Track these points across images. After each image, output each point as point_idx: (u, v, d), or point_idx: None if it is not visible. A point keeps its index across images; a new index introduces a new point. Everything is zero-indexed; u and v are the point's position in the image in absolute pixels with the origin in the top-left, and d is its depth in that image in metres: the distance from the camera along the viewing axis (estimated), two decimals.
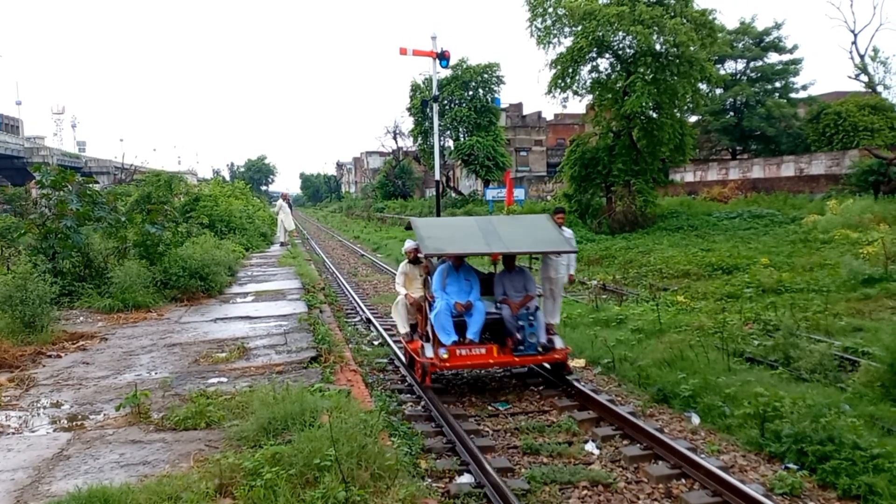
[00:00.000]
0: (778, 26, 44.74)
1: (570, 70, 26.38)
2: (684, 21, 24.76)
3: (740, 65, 45.96)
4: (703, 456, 6.00)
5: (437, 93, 22.25)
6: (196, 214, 20.83)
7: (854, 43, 31.36)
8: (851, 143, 35.17)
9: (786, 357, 8.31)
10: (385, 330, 11.87)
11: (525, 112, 67.76)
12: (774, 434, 6.06)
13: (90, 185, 13.97)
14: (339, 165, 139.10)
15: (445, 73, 43.66)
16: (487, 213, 37.45)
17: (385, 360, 10.00)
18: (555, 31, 26.53)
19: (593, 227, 26.25)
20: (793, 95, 45.40)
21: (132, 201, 19.37)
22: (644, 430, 6.51)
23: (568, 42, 26.33)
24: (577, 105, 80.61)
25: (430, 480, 5.67)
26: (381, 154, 78.57)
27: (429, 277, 8.61)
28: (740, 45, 44.42)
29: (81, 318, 10.63)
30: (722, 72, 37.75)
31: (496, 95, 48.94)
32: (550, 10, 26.17)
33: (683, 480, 5.70)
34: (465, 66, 47.60)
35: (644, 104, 24.52)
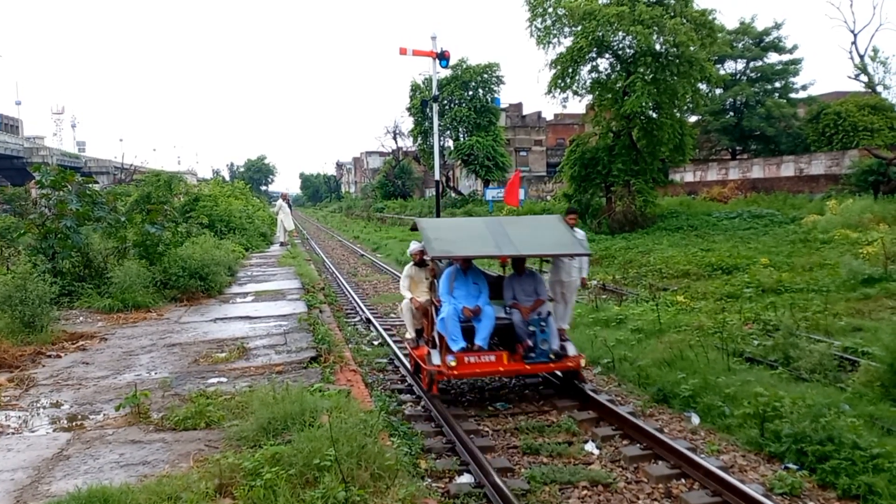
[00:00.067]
0: (778, 26, 44.77)
1: (570, 70, 26.40)
2: (684, 21, 24.77)
3: (740, 65, 45.97)
4: (702, 456, 6.00)
5: (436, 93, 22.24)
6: (196, 214, 20.82)
7: (854, 43, 31.41)
8: (851, 143, 35.18)
9: (785, 357, 8.31)
10: (385, 330, 11.87)
11: (525, 112, 67.81)
12: (774, 434, 6.06)
13: (90, 185, 13.96)
14: (339, 165, 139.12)
15: (445, 73, 43.77)
16: (487, 213, 37.49)
17: (385, 360, 10.01)
18: (555, 31, 26.54)
19: (593, 227, 26.25)
20: (792, 95, 45.41)
21: (132, 201, 19.35)
22: (644, 430, 6.51)
23: (568, 42, 26.36)
24: (577, 105, 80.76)
25: (429, 480, 5.67)
26: (381, 154, 78.59)
27: (435, 281, 8.23)
28: (740, 45, 44.42)
29: (81, 318, 10.63)
30: (722, 72, 37.73)
31: (496, 95, 49.01)
32: (550, 10, 26.18)
33: (683, 480, 5.70)
34: (464, 66, 47.66)
35: (644, 104, 24.53)
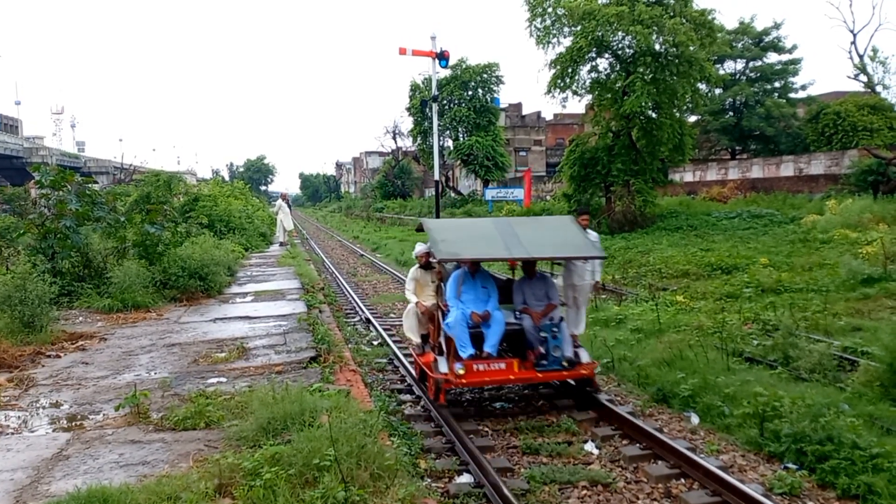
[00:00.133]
0: (777, 26, 44.74)
1: (570, 70, 26.38)
2: (684, 21, 24.75)
3: (739, 65, 45.94)
4: (702, 456, 6.01)
5: (436, 93, 22.25)
6: (195, 214, 20.82)
7: (853, 43, 31.36)
8: (850, 142, 35.16)
9: (785, 357, 8.31)
10: (384, 330, 11.87)
11: (524, 112, 67.80)
12: (774, 434, 6.07)
13: (89, 185, 13.95)
14: (339, 165, 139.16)
15: (445, 73, 43.79)
16: (487, 213, 37.50)
17: (384, 360, 10.01)
18: (554, 31, 26.52)
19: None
20: (792, 95, 45.39)
21: (131, 201, 19.33)
22: (643, 430, 6.52)
23: (567, 42, 26.33)
24: (577, 105, 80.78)
25: (429, 480, 5.67)
26: (381, 154, 78.58)
27: (442, 284, 7.93)
28: (740, 45, 44.40)
29: (81, 318, 10.63)
30: (721, 72, 37.71)
31: (495, 95, 49.05)
32: (550, 10, 26.16)
33: (683, 480, 5.71)
34: (464, 66, 47.68)
35: (643, 104, 24.51)
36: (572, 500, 5.46)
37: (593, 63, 27.08)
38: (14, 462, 4.92)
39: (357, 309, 14.56)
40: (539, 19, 26.53)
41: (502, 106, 53.52)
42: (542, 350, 7.28)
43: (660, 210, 27.03)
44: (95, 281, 12.08)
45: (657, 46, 24.74)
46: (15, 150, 64.46)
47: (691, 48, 24.08)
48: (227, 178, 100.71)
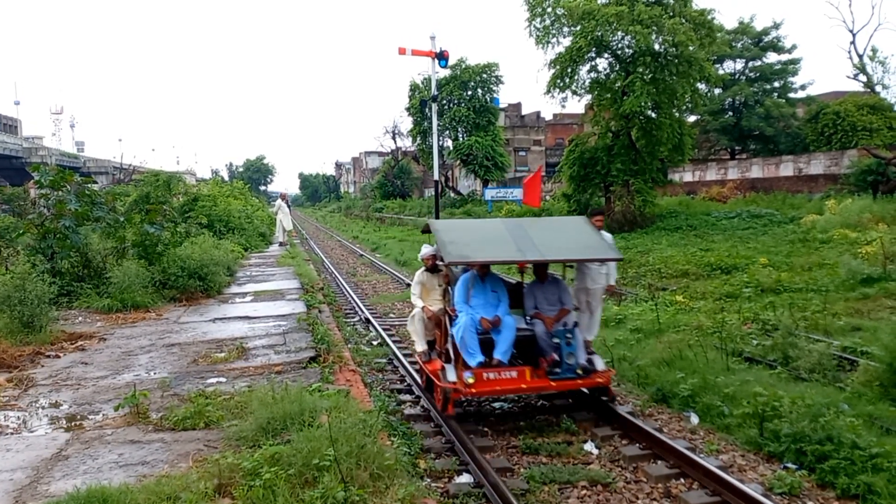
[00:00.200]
0: (777, 26, 44.76)
1: (569, 70, 26.40)
2: (683, 21, 24.77)
3: (739, 65, 45.95)
4: (702, 455, 6.01)
5: (435, 93, 22.20)
6: (195, 214, 20.81)
7: (853, 43, 31.44)
8: (850, 142, 35.17)
9: (784, 357, 8.32)
10: (384, 330, 11.87)
11: (524, 112, 67.80)
12: (773, 433, 6.07)
13: (89, 185, 13.94)
14: (338, 165, 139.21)
15: (444, 73, 43.78)
16: (486, 213, 37.50)
17: (384, 360, 10.01)
18: (553, 31, 26.54)
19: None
20: (791, 95, 45.40)
21: (131, 201, 19.33)
22: (643, 430, 6.52)
23: (567, 42, 26.36)
24: (576, 105, 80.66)
25: (429, 480, 5.67)
26: (380, 154, 78.60)
27: (449, 288, 7.58)
28: (739, 45, 44.41)
29: (80, 319, 10.62)
30: (721, 71, 37.75)
31: (495, 95, 49.07)
32: (549, 9, 26.18)
33: (682, 480, 5.71)
34: (463, 66, 47.71)
35: (643, 104, 24.53)
36: (572, 500, 5.46)
37: (593, 63, 27.12)
38: (13, 462, 4.91)
39: (356, 309, 14.56)
40: (538, 19, 26.55)
41: (502, 106, 53.53)
42: (555, 357, 6.95)
43: (659, 210, 27.05)
44: (95, 281, 12.07)
45: (657, 46, 24.77)
46: (14, 150, 64.39)
47: (691, 48, 24.10)
48: (226, 178, 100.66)
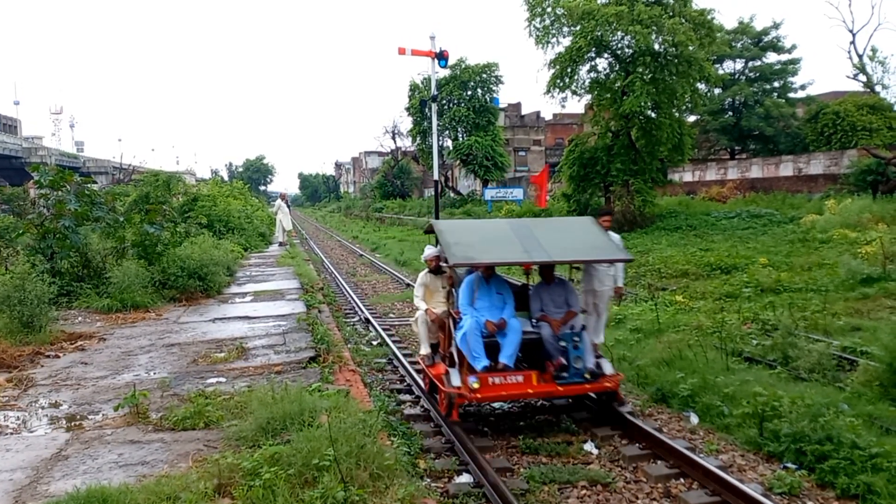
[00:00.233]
0: (776, 26, 44.80)
1: (569, 70, 26.40)
2: (683, 21, 24.78)
3: (739, 64, 45.98)
4: (701, 455, 6.01)
5: (435, 93, 22.21)
6: (194, 214, 20.81)
7: (852, 42, 31.43)
8: (850, 142, 35.19)
9: (784, 357, 8.32)
10: (384, 330, 11.87)
11: (524, 112, 67.81)
12: (773, 433, 6.07)
13: (88, 185, 13.94)
14: (338, 165, 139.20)
15: (444, 72, 43.77)
16: (486, 213, 37.49)
17: (384, 360, 10.00)
18: (553, 31, 26.55)
19: None
20: (791, 95, 45.43)
21: (130, 201, 19.32)
22: (643, 430, 6.52)
23: (566, 42, 26.37)
24: (576, 105, 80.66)
25: (428, 480, 5.67)
26: (380, 154, 78.59)
27: (453, 290, 7.40)
28: (739, 45, 44.44)
29: (80, 319, 10.62)
30: (720, 71, 37.79)
31: (495, 95, 49.08)
32: (549, 9, 26.19)
33: (682, 480, 5.71)
34: (463, 66, 47.71)
35: (643, 104, 24.54)
36: (572, 500, 5.46)
37: (592, 63, 27.13)
38: (13, 462, 4.91)
39: (356, 309, 14.55)
40: (538, 19, 26.56)
41: (501, 106, 53.53)
42: (562, 361, 6.77)
43: (659, 210, 27.05)
44: (94, 281, 12.08)
45: (656, 46, 24.77)
46: (14, 150, 64.37)
47: (690, 48, 24.11)
48: (226, 178, 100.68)
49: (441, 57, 20.40)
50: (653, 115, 25.75)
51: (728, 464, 5.94)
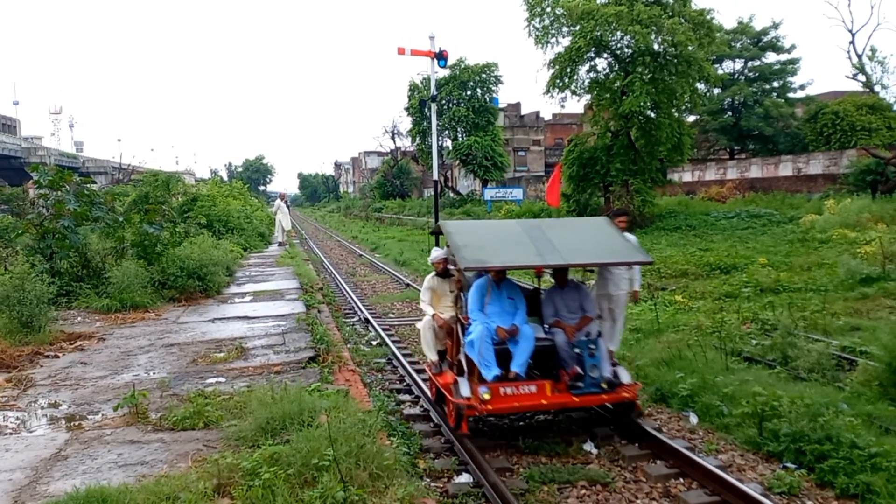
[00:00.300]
0: (776, 26, 44.82)
1: (568, 70, 26.43)
2: (682, 21, 24.80)
3: (738, 64, 46.00)
4: (701, 455, 6.01)
5: (435, 92, 22.17)
6: (194, 214, 20.80)
7: (852, 42, 31.43)
8: (849, 142, 35.21)
9: (784, 356, 8.32)
10: (383, 330, 11.87)
11: (523, 112, 67.85)
12: (772, 433, 6.07)
13: (88, 185, 13.94)
14: (337, 165, 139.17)
15: (443, 72, 43.77)
16: (486, 213, 37.50)
17: (383, 360, 10.00)
18: (553, 31, 26.58)
19: None
20: (791, 95, 45.46)
21: (130, 201, 19.32)
22: (642, 430, 6.52)
23: (566, 42, 26.40)
24: (576, 105, 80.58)
25: (428, 480, 5.67)
26: (380, 154, 78.61)
27: (461, 294, 7.07)
28: (738, 45, 44.46)
29: (79, 319, 10.62)
30: (720, 71, 37.83)
31: (494, 95, 49.12)
32: (548, 9, 26.22)
33: (682, 480, 5.71)
34: (463, 66, 47.73)
35: (642, 104, 24.56)
36: (571, 500, 5.46)
37: (592, 63, 27.16)
38: (12, 462, 4.91)
39: (356, 309, 14.55)
40: (538, 19, 26.59)
41: (501, 106, 53.57)
42: (578, 370, 6.41)
43: (658, 210, 27.07)
44: (94, 281, 12.07)
45: (656, 46, 24.79)
46: (13, 150, 64.36)
47: (690, 48, 24.13)
48: (225, 178, 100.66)
49: (440, 57, 20.37)
50: (652, 115, 25.77)
51: (727, 463, 5.95)
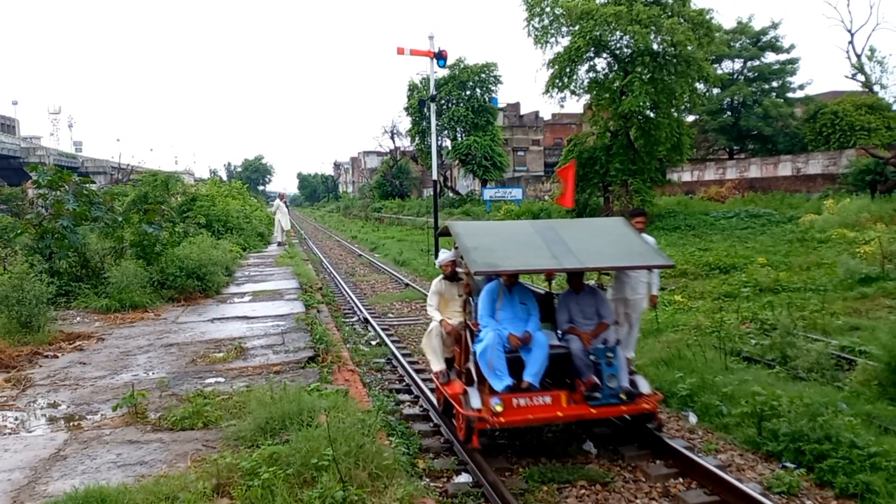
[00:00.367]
0: (775, 26, 44.85)
1: (568, 70, 26.44)
2: (681, 20, 24.81)
3: (737, 64, 46.04)
4: (700, 455, 6.01)
5: (434, 92, 22.23)
6: (193, 214, 20.80)
7: (851, 42, 31.46)
8: (848, 142, 35.24)
9: (783, 356, 8.32)
10: (383, 330, 11.86)
11: (522, 112, 67.88)
12: (772, 433, 6.07)
13: (87, 185, 13.94)
14: (337, 165, 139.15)
15: (443, 72, 43.77)
16: (485, 213, 37.49)
17: (383, 360, 10.00)
18: (552, 31, 26.58)
19: None
20: (790, 95, 45.49)
21: (129, 201, 19.33)
22: (641, 430, 6.51)
23: (565, 42, 26.41)
24: (575, 105, 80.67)
25: (427, 480, 5.67)
26: (379, 154, 78.63)
27: (470, 299, 6.68)
28: (737, 45, 44.50)
29: (78, 319, 10.61)
30: (719, 71, 37.88)
31: (493, 95, 49.14)
32: (548, 9, 26.23)
33: (681, 479, 5.71)
34: (462, 66, 47.73)
35: (641, 104, 24.57)
36: (571, 500, 5.46)
37: (591, 63, 27.16)
38: (12, 462, 4.91)
39: (355, 309, 14.54)
40: (537, 19, 26.59)
41: (500, 106, 53.60)
42: (595, 380, 6.04)
43: (658, 210, 27.07)
44: (93, 281, 12.07)
45: (655, 46, 24.80)
46: (12, 150, 64.28)
47: (689, 48, 24.14)
48: (224, 177, 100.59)
49: (440, 57, 20.42)
50: (651, 114, 25.78)
51: (727, 463, 5.94)
